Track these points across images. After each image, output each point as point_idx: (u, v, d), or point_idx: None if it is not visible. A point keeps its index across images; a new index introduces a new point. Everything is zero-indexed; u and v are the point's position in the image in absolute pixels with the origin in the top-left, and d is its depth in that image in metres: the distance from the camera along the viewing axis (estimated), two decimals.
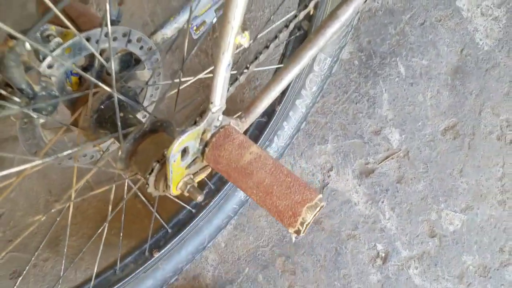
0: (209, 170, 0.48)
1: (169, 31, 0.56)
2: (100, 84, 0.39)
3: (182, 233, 0.83)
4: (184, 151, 0.43)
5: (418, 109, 1.06)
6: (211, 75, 0.40)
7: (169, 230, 0.82)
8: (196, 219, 0.84)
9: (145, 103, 0.59)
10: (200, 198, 0.44)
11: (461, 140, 1.04)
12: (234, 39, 0.37)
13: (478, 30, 1.12)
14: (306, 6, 0.51)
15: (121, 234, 0.67)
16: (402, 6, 1.13)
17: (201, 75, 0.61)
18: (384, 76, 1.08)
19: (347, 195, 1.00)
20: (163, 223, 0.79)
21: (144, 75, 0.56)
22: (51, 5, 0.34)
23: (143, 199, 0.62)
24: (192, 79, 0.59)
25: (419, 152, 1.03)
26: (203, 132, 0.43)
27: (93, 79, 0.39)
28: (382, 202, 0.99)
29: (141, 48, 0.51)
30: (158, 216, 0.73)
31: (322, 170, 1.03)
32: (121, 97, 0.43)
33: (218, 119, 0.44)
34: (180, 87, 0.52)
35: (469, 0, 1.14)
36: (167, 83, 0.56)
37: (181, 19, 0.56)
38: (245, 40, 0.38)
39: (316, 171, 1.03)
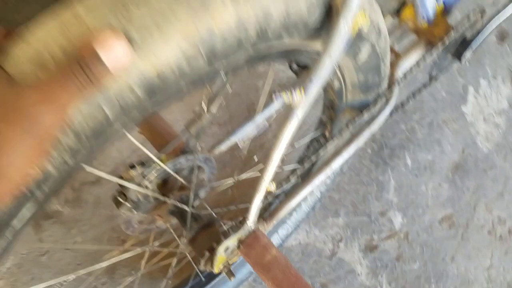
0: (239, 255, 0.71)
1: (223, 147, 0.81)
2: (179, 204, 0.64)
3: (212, 283, 1.05)
4: (226, 247, 0.65)
5: (420, 198, 1.24)
6: (257, 175, 0.62)
7: (203, 279, 1.04)
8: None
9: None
10: (232, 279, 0.66)
11: (456, 230, 1.20)
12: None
13: (480, 134, 1.29)
14: (309, 158, 0.74)
15: (170, 282, 0.90)
16: (413, 107, 1.33)
17: (244, 176, 0.85)
18: (392, 165, 1.27)
19: (352, 265, 1.18)
20: (200, 274, 1.01)
21: (203, 176, 0.81)
22: (156, 160, 0.59)
23: (191, 261, 0.85)
24: (232, 182, 0.83)
25: (418, 235, 1.20)
26: (240, 235, 0.66)
27: (173, 201, 0.64)
28: (381, 276, 1.16)
29: (205, 161, 0.76)
30: (198, 271, 0.96)
31: (332, 240, 1.22)
32: (194, 210, 0.67)
33: (251, 227, 0.67)
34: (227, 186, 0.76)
35: (473, 106, 1.33)
36: (220, 184, 0.81)
37: (232, 139, 0.81)
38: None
39: (328, 241, 1.22)
